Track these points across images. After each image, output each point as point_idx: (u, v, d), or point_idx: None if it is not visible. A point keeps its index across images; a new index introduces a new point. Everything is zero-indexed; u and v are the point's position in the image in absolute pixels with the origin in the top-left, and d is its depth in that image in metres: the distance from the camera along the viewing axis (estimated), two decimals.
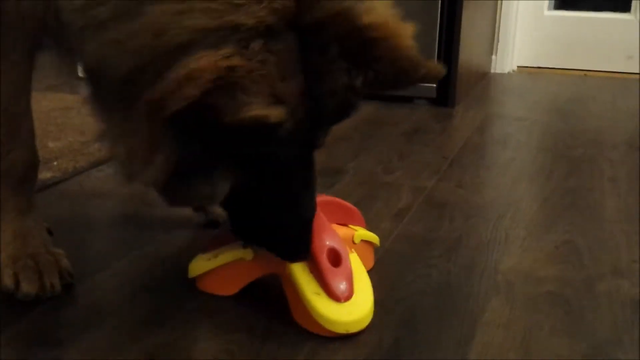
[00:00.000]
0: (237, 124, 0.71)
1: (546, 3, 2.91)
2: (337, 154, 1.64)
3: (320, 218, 0.92)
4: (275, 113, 0.72)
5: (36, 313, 0.90)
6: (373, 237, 1.07)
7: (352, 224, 1.05)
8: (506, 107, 2.37)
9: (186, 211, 1.19)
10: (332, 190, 1.40)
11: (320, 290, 0.88)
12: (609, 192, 1.45)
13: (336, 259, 0.91)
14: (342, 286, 0.89)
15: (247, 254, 0.94)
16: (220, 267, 0.96)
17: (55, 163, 1.46)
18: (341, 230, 0.99)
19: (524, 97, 2.48)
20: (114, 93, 0.79)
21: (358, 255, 0.99)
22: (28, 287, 0.92)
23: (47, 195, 1.31)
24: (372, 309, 0.91)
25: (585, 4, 2.93)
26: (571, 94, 2.49)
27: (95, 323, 0.89)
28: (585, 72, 2.85)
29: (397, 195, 1.39)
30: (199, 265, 0.97)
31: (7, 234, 0.95)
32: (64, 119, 1.80)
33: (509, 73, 2.83)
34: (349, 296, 0.89)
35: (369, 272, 0.98)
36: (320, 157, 0.89)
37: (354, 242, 1.01)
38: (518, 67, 2.90)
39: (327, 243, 0.91)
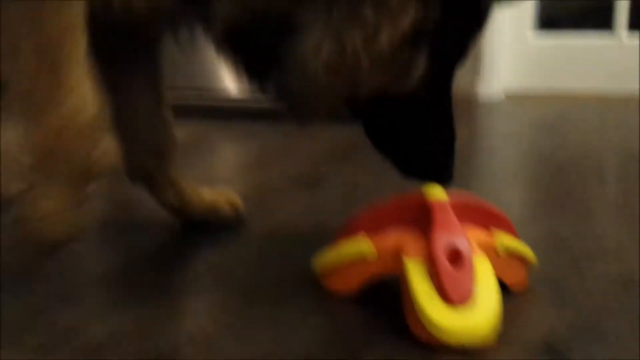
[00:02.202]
0: None
1: (530, 30, 2.95)
2: (320, 163, 1.63)
3: (447, 213, 0.84)
4: None
5: None
6: (524, 251, 0.92)
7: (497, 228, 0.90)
8: (492, 125, 2.37)
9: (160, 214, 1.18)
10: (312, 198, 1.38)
11: (433, 292, 0.77)
12: (595, 191, 1.43)
13: (457, 259, 0.80)
14: (458, 288, 0.77)
15: (370, 252, 0.85)
16: (343, 264, 0.88)
17: None
18: (480, 236, 0.87)
19: (510, 117, 2.48)
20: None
21: (501, 269, 0.86)
22: None
23: None
24: (494, 322, 0.77)
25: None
26: (557, 113, 2.50)
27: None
28: (573, 94, 2.86)
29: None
30: (323, 260, 0.90)
31: None
32: None
33: (495, 97, 2.85)
34: (463, 299, 0.76)
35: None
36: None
37: (496, 254, 0.86)
38: (504, 92, 2.91)
39: (449, 241, 0.81)
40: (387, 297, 0.86)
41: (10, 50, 0.78)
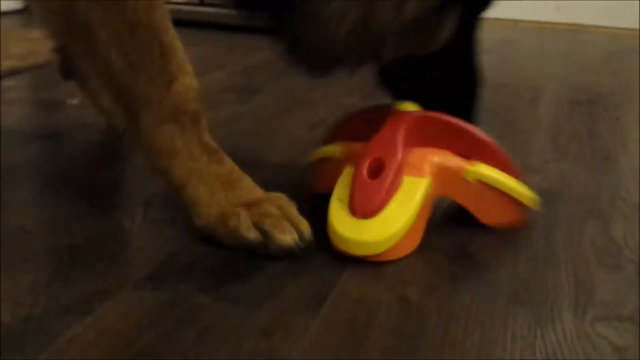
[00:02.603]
0: None
1: None
2: (256, 74, 1.61)
3: (395, 129, 0.80)
4: None
5: None
6: (514, 189, 0.83)
7: (483, 161, 0.82)
8: None
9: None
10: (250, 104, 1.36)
11: (344, 198, 0.76)
12: (526, 112, 1.45)
13: (379, 170, 0.77)
14: (365, 201, 0.74)
15: (338, 151, 0.84)
16: (318, 162, 0.88)
17: None
18: (442, 159, 0.80)
19: None
20: None
21: (477, 201, 0.81)
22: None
23: None
24: (395, 239, 0.73)
25: None
26: (501, 38, 2.50)
27: None
28: (516, 22, 2.87)
29: (315, 109, 1.36)
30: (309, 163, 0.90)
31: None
32: None
33: None
34: (368, 213, 0.74)
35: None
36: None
37: (464, 179, 0.80)
38: None
39: (375, 152, 0.78)
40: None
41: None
